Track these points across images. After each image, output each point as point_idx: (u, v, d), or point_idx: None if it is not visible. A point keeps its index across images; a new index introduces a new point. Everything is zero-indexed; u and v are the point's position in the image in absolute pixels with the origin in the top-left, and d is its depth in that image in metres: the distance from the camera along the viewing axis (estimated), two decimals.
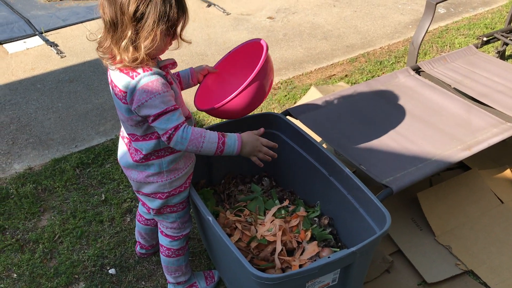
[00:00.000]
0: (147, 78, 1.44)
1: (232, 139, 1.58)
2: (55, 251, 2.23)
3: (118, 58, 1.44)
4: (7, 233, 2.33)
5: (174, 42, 1.54)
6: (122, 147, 1.71)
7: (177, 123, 1.48)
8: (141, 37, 1.40)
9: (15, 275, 2.12)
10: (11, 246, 2.25)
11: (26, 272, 2.12)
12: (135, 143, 1.63)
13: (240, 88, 1.64)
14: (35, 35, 4.25)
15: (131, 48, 1.41)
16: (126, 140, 1.69)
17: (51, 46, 4.07)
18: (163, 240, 1.89)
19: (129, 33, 1.39)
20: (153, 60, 1.51)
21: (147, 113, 1.47)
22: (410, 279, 2.05)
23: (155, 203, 1.73)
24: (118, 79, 1.49)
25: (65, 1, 5.02)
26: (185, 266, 1.97)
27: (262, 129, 1.69)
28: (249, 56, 1.87)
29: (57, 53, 3.97)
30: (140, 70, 1.45)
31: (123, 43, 1.40)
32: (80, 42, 4.15)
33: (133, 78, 1.45)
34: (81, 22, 4.49)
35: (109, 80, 1.56)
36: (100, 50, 1.49)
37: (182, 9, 1.46)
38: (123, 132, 1.71)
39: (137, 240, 2.17)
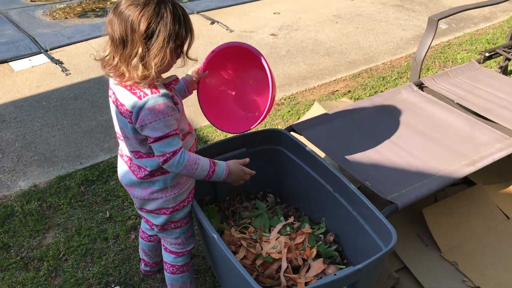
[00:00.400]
0: (154, 100, 1.45)
1: (221, 169, 1.65)
2: (60, 269, 2.23)
3: (127, 75, 1.44)
4: (12, 251, 2.33)
5: (180, 60, 1.56)
6: (123, 166, 1.72)
7: (176, 148, 1.52)
8: (151, 55, 1.41)
9: None
10: (15, 264, 2.25)
11: None
12: (139, 160, 1.63)
13: (267, 105, 1.75)
14: (41, 53, 4.30)
15: (140, 66, 1.41)
16: (126, 158, 1.69)
17: (56, 63, 4.11)
18: (167, 257, 1.89)
19: (140, 50, 1.39)
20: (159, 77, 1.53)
21: (148, 134, 1.49)
22: None
23: (159, 219, 1.74)
24: (125, 98, 1.49)
25: (70, 19, 5.08)
26: (190, 283, 1.96)
27: (247, 159, 1.78)
28: (235, 57, 1.87)
29: (62, 70, 4.01)
30: (148, 91, 1.46)
31: (134, 61, 1.41)
32: (85, 60, 4.19)
33: (140, 99, 1.45)
34: (86, 39, 4.54)
35: (113, 98, 1.55)
36: (108, 69, 1.48)
37: (189, 28, 1.48)
38: (121, 151, 1.72)
39: (141, 257, 2.16)
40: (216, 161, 1.64)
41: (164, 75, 1.58)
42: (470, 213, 2.35)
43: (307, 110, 3.29)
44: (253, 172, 1.78)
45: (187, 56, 1.54)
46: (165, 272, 1.93)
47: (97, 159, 2.96)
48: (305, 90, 3.70)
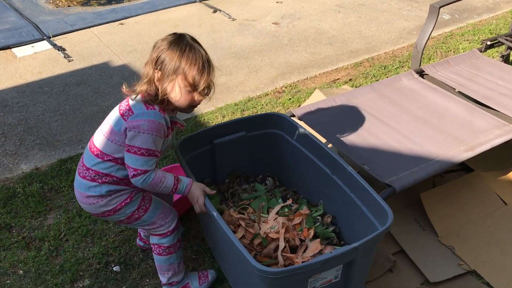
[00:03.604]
0: (157, 117, 1.62)
1: (184, 185, 1.75)
2: (61, 248, 2.25)
3: (137, 89, 1.64)
4: (14, 231, 2.36)
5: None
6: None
7: (149, 168, 1.65)
8: (157, 77, 1.62)
9: (21, 271, 2.14)
10: (17, 243, 2.27)
11: (32, 269, 2.14)
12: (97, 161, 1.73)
13: None
14: (43, 39, 4.31)
15: (145, 85, 1.62)
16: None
17: (58, 50, 4.12)
18: (153, 239, 1.89)
19: (149, 71, 1.62)
20: (172, 111, 1.72)
21: (135, 141, 1.62)
22: (413, 278, 2.05)
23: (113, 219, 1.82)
24: (135, 104, 1.65)
25: (73, 7, 5.09)
26: (178, 265, 1.93)
27: (214, 191, 1.84)
28: None
29: (65, 57, 4.03)
30: (157, 108, 1.64)
31: (144, 78, 1.63)
32: (87, 47, 4.20)
33: (147, 109, 1.63)
34: (89, 27, 4.55)
35: (122, 105, 1.70)
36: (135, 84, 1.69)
37: (202, 71, 1.61)
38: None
39: (138, 231, 2.19)
40: (180, 178, 1.75)
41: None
42: (468, 199, 2.36)
43: (308, 98, 3.30)
44: (206, 211, 1.77)
45: (200, 95, 1.66)
46: (153, 254, 1.93)
47: None
48: (307, 79, 3.70)
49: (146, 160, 1.63)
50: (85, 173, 1.73)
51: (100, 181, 1.71)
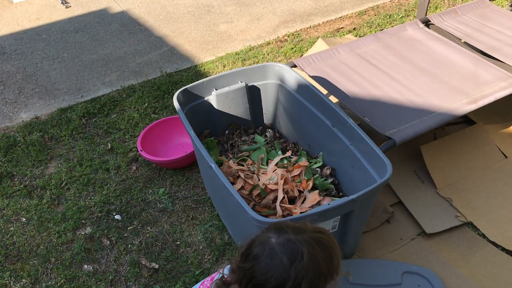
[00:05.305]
0: None
1: None
2: (62, 197, 2.28)
3: None
4: (16, 179, 2.38)
5: None
6: None
7: None
8: None
9: (24, 219, 2.18)
10: (19, 191, 2.30)
11: (34, 217, 2.18)
12: None
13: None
14: None
15: None
16: None
17: None
18: None
19: None
20: None
21: None
22: (410, 229, 2.08)
23: None
24: None
25: None
26: None
27: None
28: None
29: (62, 3, 3.92)
30: None
31: None
32: None
33: None
34: None
35: None
36: None
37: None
38: None
39: None
40: None
41: None
42: (468, 152, 2.36)
43: (311, 48, 3.23)
44: None
45: None
46: None
47: (98, 93, 2.96)
48: (310, 27, 3.61)
49: None
50: None
51: None
